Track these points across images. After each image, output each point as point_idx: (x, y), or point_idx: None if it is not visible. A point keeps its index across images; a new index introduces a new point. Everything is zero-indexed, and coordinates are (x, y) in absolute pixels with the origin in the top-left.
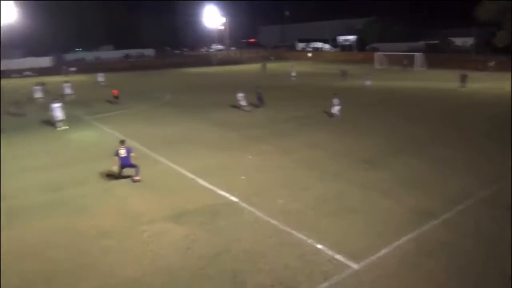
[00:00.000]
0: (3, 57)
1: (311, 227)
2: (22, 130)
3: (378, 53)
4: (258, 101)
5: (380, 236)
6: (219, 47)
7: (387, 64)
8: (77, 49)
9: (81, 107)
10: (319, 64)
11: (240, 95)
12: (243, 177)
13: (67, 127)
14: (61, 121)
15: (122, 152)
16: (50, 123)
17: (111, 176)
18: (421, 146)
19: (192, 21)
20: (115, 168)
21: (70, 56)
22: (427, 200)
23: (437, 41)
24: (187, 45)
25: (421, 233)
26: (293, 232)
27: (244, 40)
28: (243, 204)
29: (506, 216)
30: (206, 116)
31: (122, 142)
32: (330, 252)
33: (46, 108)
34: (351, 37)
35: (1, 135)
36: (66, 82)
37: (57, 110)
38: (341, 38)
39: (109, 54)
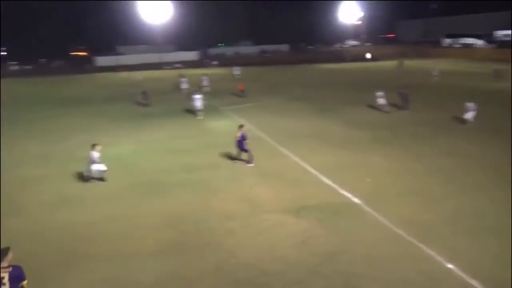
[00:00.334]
0: (159, 51)
1: (442, 243)
2: (169, 116)
3: None
4: (403, 102)
5: None
6: (354, 43)
7: None
8: (220, 44)
9: (217, 99)
10: (467, 63)
11: (380, 94)
12: (369, 179)
13: (202, 118)
14: (200, 110)
15: (238, 135)
16: (191, 111)
17: (239, 162)
18: None
19: (327, 17)
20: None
21: (213, 51)
22: None
23: None
24: (321, 41)
25: None
26: (420, 245)
27: (382, 36)
28: (366, 207)
29: None
30: (335, 113)
31: (241, 127)
32: (462, 275)
33: (189, 98)
34: None
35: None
36: (205, 75)
37: (198, 101)
38: (500, 33)
39: (247, 49)
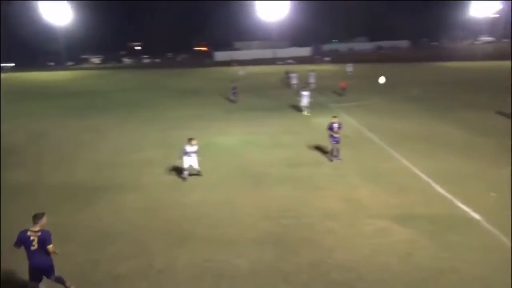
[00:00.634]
0: (273, 47)
1: None
2: (278, 111)
3: None
4: None
5: None
6: (489, 38)
7: None
8: (333, 40)
9: (324, 96)
10: None
11: None
12: (493, 194)
13: (309, 114)
14: (307, 107)
15: (335, 125)
16: (299, 107)
17: (346, 161)
18: None
19: (456, 10)
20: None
21: (326, 47)
22: None
23: None
24: (448, 37)
25: None
26: None
27: None
28: (487, 225)
29: None
30: (456, 117)
31: (335, 117)
32: None
33: (298, 94)
34: None
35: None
36: (312, 71)
37: (305, 97)
38: None
39: (362, 45)
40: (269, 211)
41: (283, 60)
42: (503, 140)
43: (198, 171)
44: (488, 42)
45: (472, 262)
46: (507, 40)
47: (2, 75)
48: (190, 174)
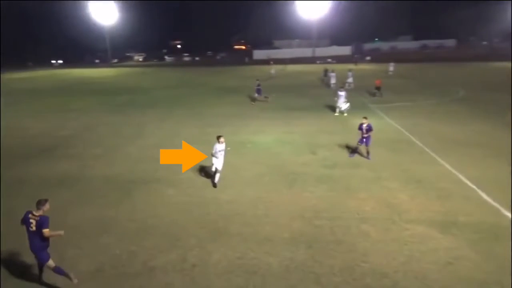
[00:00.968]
0: (312, 46)
1: None
2: (316, 111)
3: None
4: None
5: None
6: None
7: None
8: (375, 39)
9: (362, 96)
10: None
11: None
12: None
13: (346, 114)
14: (341, 107)
15: (364, 126)
16: (335, 108)
17: (385, 164)
18: None
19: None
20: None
21: (367, 46)
22: None
23: None
24: (500, 35)
25: None
26: None
27: None
28: None
29: None
30: (508, 121)
31: (365, 118)
32: None
33: (335, 93)
34: None
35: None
36: (350, 70)
37: (341, 97)
38: None
39: (406, 44)
40: (303, 211)
41: (322, 59)
42: None
43: (215, 183)
44: None
45: None
46: None
47: (52, 71)
48: (208, 176)
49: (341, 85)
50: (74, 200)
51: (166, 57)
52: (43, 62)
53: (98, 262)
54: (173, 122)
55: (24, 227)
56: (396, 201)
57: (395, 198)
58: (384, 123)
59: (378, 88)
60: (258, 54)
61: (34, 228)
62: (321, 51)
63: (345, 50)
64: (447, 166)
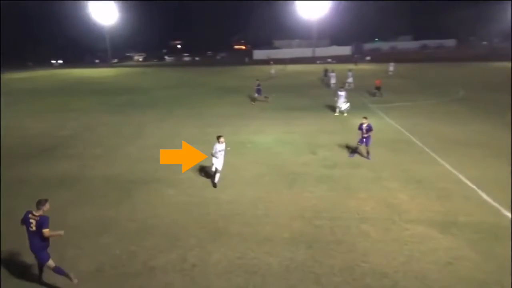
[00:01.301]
0: (312, 46)
1: None
2: (316, 111)
3: None
4: None
5: None
6: None
7: None
8: (375, 39)
9: (362, 96)
10: None
11: None
12: None
13: (346, 114)
14: (341, 107)
15: (364, 126)
16: (335, 108)
17: (384, 164)
18: None
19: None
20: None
21: (367, 46)
22: None
23: None
24: (500, 35)
25: None
26: None
27: None
28: None
29: None
30: (508, 121)
31: (365, 118)
32: None
33: (335, 94)
34: None
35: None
36: (350, 70)
37: (341, 97)
38: None
39: (406, 44)
40: (303, 211)
41: (322, 59)
42: None
43: (215, 183)
44: None
45: None
46: None
47: (52, 71)
48: (208, 176)
49: (341, 85)
50: (74, 200)
51: (166, 57)
52: (43, 62)
53: (98, 262)
54: (173, 122)
55: (24, 227)
56: (396, 201)
57: (395, 198)
58: (384, 123)
59: (378, 88)
60: (258, 54)
61: (34, 228)
62: (321, 51)
63: (345, 50)
64: (447, 166)
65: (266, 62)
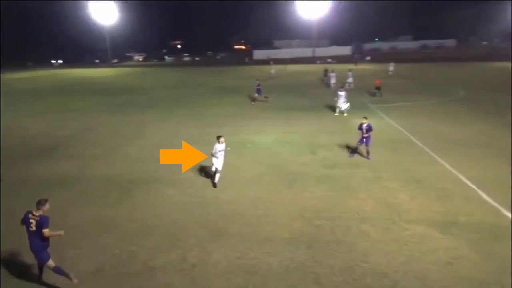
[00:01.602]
0: (312, 46)
1: None
2: (316, 111)
3: None
4: None
5: None
6: None
7: None
8: (375, 39)
9: (362, 96)
10: None
11: None
12: None
13: (346, 114)
14: (342, 107)
15: (364, 126)
16: (335, 108)
17: (384, 164)
18: None
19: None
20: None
21: (367, 46)
22: None
23: None
24: (499, 35)
25: None
26: None
27: None
28: None
29: None
30: (508, 121)
31: (365, 118)
32: None
33: (335, 94)
34: None
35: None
36: (350, 70)
37: (341, 97)
38: None
39: (406, 44)
40: (303, 211)
41: (322, 59)
42: None
43: (215, 183)
44: None
45: None
46: None
47: (52, 71)
48: (208, 176)
49: (341, 85)
50: (74, 200)
51: (166, 57)
52: (43, 62)
53: (98, 262)
54: (173, 122)
55: (24, 227)
56: (396, 201)
57: (395, 198)
58: (384, 123)
59: (378, 88)
60: (258, 54)
61: (34, 228)
62: (321, 51)
63: (345, 50)
64: (447, 166)
65: (266, 62)
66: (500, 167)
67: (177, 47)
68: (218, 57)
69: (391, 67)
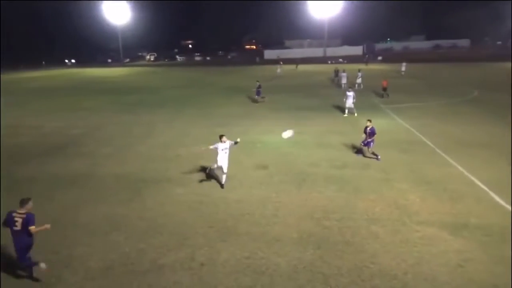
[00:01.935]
0: (324, 45)
1: None
2: (325, 111)
3: None
4: None
5: None
6: None
7: None
8: (387, 39)
9: (370, 96)
10: None
11: None
12: None
13: (355, 115)
14: (350, 108)
15: (368, 129)
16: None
17: (395, 165)
18: None
19: None
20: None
21: (379, 46)
22: None
23: None
24: None
25: None
26: None
27: None
28: None
29: None
30: None
31: (369, 121)
32: None
33: (344, 94)
34: None
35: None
36: (359, 70)
37: (350, 98)
38: None
39: (418, 44)
40: (312, 211)
41: (334, 59)
42: None
43: (222, 184)
44: None
45: None
46: None
47: (65, 70)
48: (209, 177)
49: (350, 86)
50: (85, 198)
51: (177, 56)
52: (57, 61)
53: (108, 260)
54: (183, 121)
55: (8, 229)
56: (406, 203)
57: (405, 199)
58: (395, 124)
59: (384, 89)
60: (269, 54)
61: (19, 227)
62: (332, 51)
63: (357, 50)
64: (459, 167)
65: (276, 62)
66: None
67: (189, 47)
68: (229, 57)
69: (403, 67)
